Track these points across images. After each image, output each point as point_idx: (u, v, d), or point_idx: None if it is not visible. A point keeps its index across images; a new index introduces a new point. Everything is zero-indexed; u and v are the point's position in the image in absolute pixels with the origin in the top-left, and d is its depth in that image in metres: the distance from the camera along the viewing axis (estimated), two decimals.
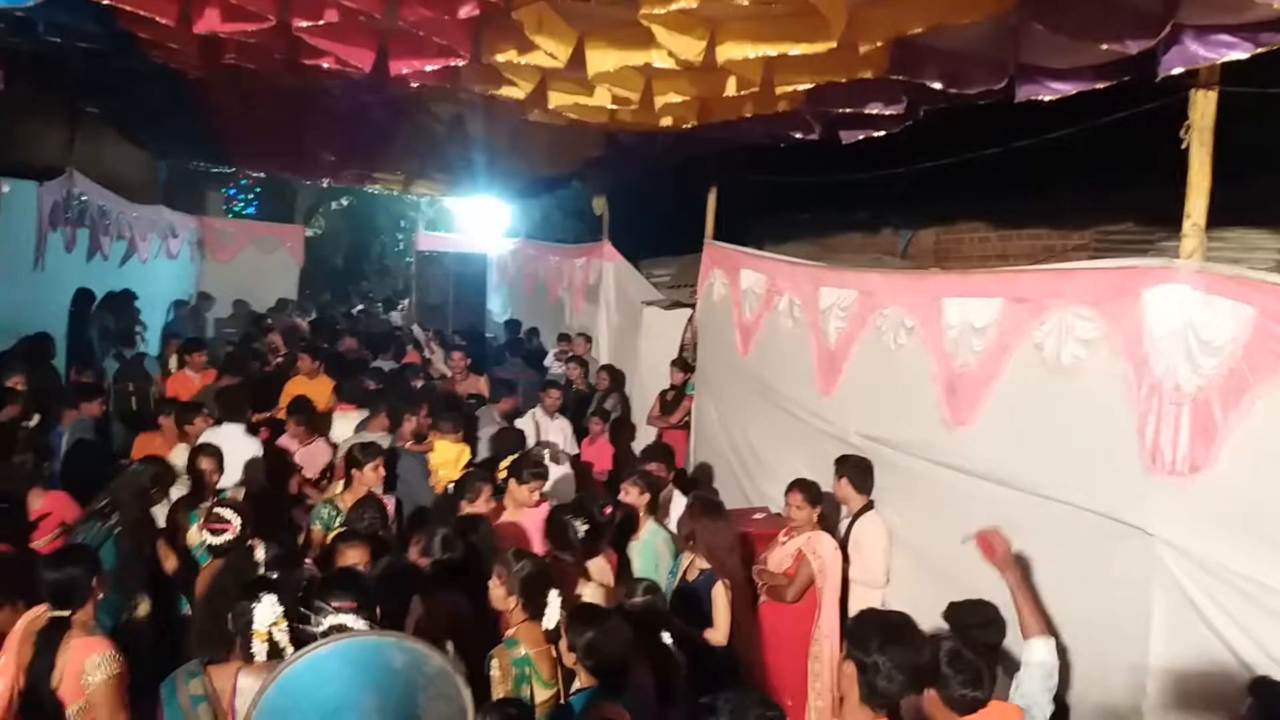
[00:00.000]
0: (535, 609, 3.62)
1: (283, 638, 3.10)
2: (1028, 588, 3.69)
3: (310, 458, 6.67)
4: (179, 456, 5.52)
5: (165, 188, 13.44)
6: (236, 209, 17.94)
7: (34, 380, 6.80)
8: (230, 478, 5.57)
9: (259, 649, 3.09)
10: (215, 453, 5.29)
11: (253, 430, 6.56)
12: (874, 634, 2.73)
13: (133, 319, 10.39)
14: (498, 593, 3.71)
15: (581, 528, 4.40)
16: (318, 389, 7.92)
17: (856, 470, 5.25)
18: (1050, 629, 3.58)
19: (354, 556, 4.04)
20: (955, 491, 4.62)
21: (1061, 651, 3.55)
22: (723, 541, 4.80)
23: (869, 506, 5.20)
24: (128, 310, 10.41)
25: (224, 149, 11.35)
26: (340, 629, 2.91)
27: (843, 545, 5.10)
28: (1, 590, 3.60)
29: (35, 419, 6.21)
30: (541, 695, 3.50)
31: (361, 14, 4.13)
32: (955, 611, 3.79)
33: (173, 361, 8.87)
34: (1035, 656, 3.45)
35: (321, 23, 4.30)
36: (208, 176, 15.39)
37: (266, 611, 3.12)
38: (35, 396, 6.44)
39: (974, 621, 3.68)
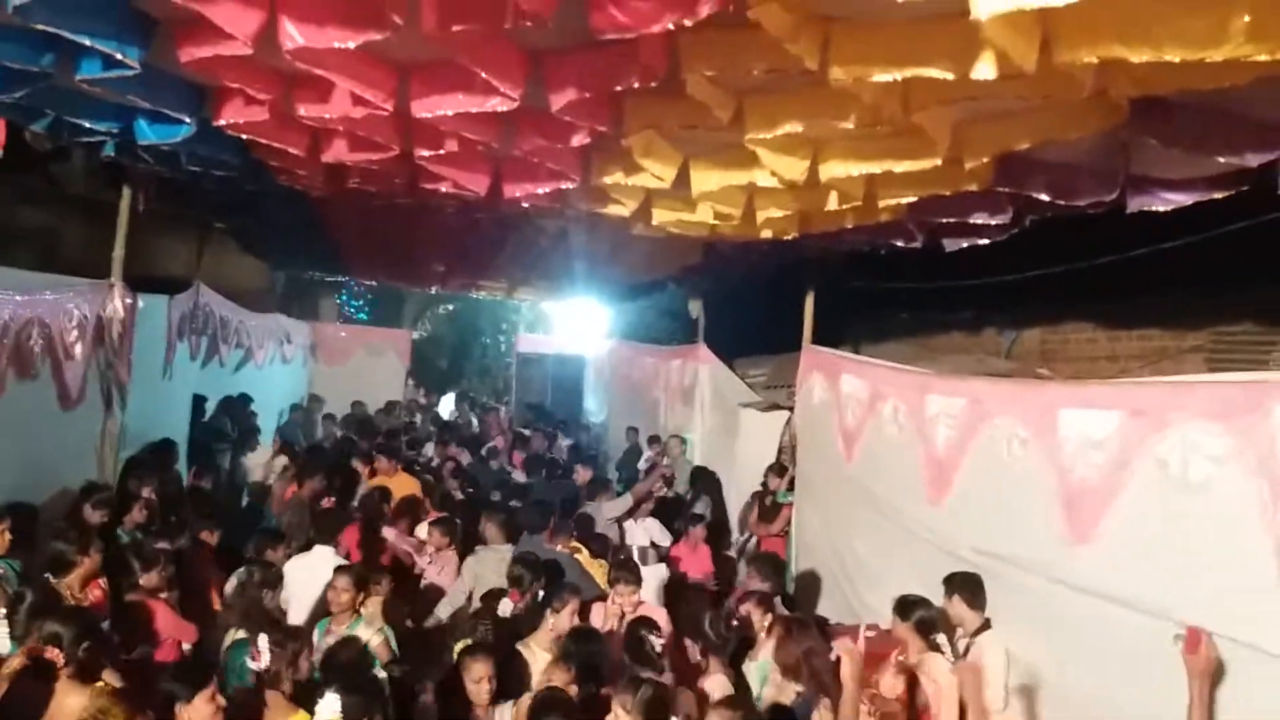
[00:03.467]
0: None
1: None
2: (1209, 708, 3.43)
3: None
4: None
5: (282, 296, 14.16)
6: (349, 315, 18.71)
7: (161, 487, 7.09)
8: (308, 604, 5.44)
9: None
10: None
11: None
12: None
13: (248, 422, 10.83)
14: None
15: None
16: (401, 487, 7.98)
17: (967, 587, 5.03)
18: None
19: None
20: (1077, 612, 4.40)
21: None
22: (825, 664, 4.65)
23: (986, 625, 4.98)
24: (243, 414, 10.85)
25: (340, 260, 11.94)
26: None
27: None
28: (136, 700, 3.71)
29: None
30: None
31: (480, 143, 4.37)
32: None
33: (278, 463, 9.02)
34: None
35: (442, 152, 4.55)
36: (322, 285, 16.13)
37: (326, 708, 3.19)
38: (161, 503, 6.70)
39: None
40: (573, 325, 18.62)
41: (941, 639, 4.94)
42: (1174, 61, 2.70)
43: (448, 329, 22.63)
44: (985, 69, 2.94)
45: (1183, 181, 4.04)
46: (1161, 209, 4.15)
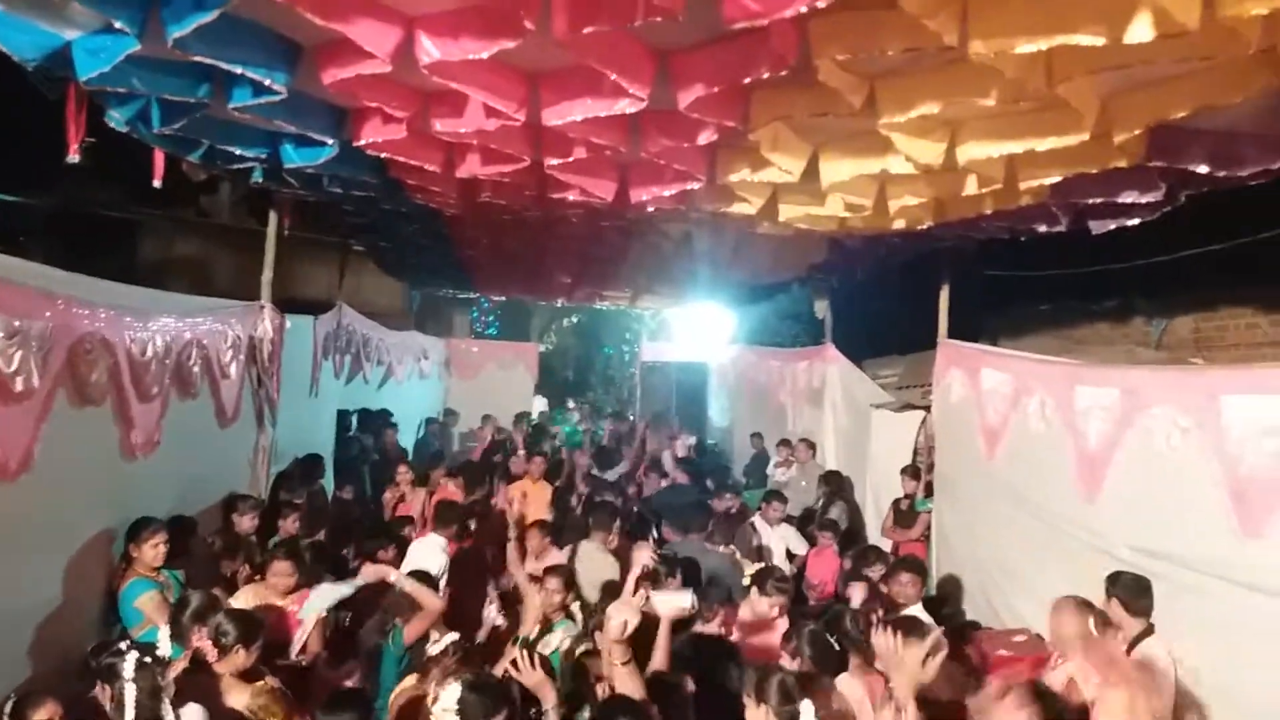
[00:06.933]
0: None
1: None
2: None
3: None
4: None
5: (417, 314, 14.69)
6: (479, 330, 19.31)
7: (308, 499, 7.43)
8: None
9: None
10: None
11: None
12: None
13: (387, 438, 11.21)
14: (756, 714, 3.60)
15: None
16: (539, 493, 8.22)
17: (1131, 589, 4.72)
18: None
19: None
20: (1253, 612, 4.10)
21: None
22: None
23: (1149, 631, 4.67)
24: (384, 430, 11.26)
25: (471, 277, 12.30)
26: None
27: None
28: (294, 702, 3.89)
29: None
30: None
31: (607, 149, 4.40)
32: None
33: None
34: None
35: (570, 159, 4.61)
36: (454, 302, 16.74)
37: (447, 698, 3.23)
38: (308, 515, 7.01)
39: None
40: (695, 332, 18.62)
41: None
42: None
43: (573, 340, 23.05)
44: (1141, 30, 2.77)
45: None
46: None
